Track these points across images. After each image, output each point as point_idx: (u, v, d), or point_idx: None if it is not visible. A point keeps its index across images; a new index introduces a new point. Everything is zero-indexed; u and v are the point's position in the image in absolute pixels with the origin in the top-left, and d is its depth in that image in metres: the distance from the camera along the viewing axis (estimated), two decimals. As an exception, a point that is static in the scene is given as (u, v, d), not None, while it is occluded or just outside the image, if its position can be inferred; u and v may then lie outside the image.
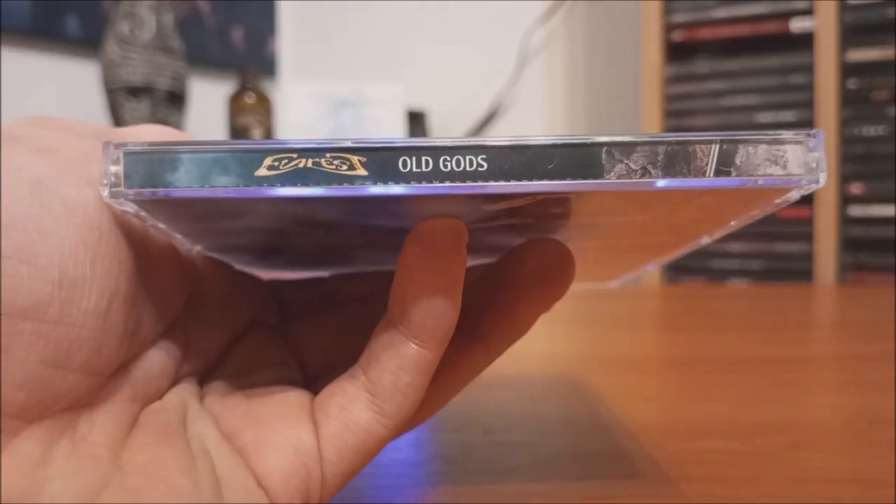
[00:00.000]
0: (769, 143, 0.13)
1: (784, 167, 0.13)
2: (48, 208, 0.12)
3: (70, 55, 1.29)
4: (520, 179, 0.13)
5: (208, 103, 1.48)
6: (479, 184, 0.13)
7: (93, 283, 0.13)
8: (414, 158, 0.12)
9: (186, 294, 0.17)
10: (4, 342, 0.11)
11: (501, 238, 0.18)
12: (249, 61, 1.58)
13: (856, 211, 1.08)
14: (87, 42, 1.28)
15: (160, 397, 0.16)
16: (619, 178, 0.13)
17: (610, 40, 1.48)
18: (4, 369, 0.12)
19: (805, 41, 1.10)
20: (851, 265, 1.08)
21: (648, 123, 1.19)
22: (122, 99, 1.10)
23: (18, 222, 0.12)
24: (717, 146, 0.13)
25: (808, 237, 1.09)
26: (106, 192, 0.12)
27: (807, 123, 1.10)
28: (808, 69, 1.09)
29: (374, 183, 0.12)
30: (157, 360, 0.15)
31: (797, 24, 1.11)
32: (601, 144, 0.13)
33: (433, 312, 0.15)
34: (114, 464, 0.13)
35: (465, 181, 0.12)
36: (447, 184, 0.12)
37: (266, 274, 0.22)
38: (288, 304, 0.21)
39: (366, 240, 0.18)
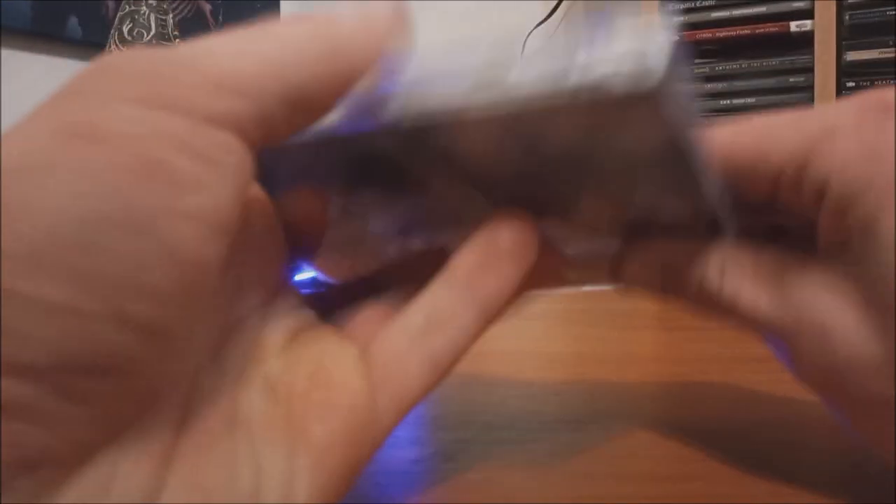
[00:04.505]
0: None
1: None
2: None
3: (70, 56, 1.30)
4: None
5: (208, 104, 1.48)
6: None
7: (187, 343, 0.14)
8: None
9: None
10: None
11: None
12: (249, 62, 1.58)
13: (855, 211, 1.08)
14: (88, 43, 1.28)
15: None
16: None
17: (610, 41, 1.48)
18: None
19: (804, 42, 1.10)
20: (851, 266, 1.08)
21: (648, 124, 1.19)
22: (122, 99, 1.11)
23: None
24: None
25: (807, 238, 1.09)
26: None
27: (806, 124, 1.10)
28: (808, 70, 1.10)
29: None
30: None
31: (797, 25, 1.11)
32: None
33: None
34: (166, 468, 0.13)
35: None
36: None
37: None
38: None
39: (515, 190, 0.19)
